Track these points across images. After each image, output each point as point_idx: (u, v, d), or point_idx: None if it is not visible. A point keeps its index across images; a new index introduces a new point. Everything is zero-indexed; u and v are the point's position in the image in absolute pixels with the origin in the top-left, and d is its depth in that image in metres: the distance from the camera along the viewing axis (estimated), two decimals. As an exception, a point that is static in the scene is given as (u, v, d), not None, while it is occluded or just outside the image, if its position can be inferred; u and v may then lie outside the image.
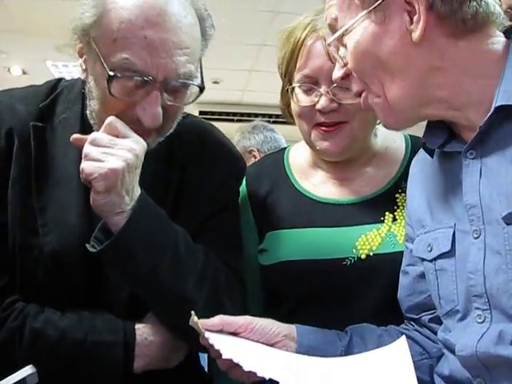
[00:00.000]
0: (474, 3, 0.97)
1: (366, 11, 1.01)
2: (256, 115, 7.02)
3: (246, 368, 0.97)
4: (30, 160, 1.21)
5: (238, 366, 0.98)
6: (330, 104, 1.35)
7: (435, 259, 1.11)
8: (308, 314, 1.36)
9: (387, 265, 1.33)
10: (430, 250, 1.12)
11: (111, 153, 1.09)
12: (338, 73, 1.12)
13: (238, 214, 1.43)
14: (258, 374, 0.96)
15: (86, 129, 1.22)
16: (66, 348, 1.15)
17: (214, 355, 1.08)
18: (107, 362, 1.16)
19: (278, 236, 1.44)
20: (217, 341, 1.03)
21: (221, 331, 1.09)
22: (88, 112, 1.22)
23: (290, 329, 1.18)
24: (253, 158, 3.25)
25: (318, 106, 1.36)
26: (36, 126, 1.23)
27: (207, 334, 1.04)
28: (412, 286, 1.24)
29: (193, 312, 1.05)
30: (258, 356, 1.08)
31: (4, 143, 1.21)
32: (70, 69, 6.40)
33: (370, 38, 1.02)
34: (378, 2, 1.00)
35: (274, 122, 5.16)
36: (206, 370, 1.50)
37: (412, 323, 1.27)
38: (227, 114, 7.60)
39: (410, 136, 1.52)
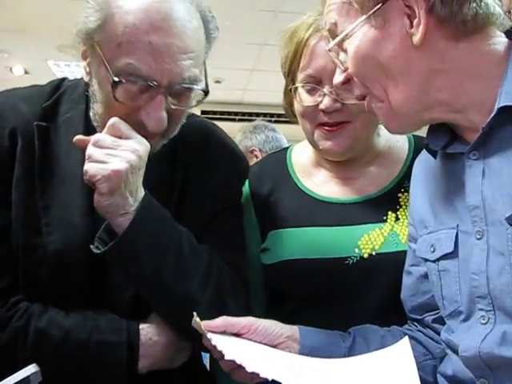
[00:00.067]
0: (474, 4, 0.97)
1: (365, 16, 1.01)
2: (257, 114, 7.05)
3: (249, 369, 0.97)
4: (34, 160, 1.21)
5: (240, 367, 0.98)
6: (333, 104, 1.35)
7: (438, 260, 1.11)
8: (310, 313, 1.36)
9: (390, 264, 1.33)
10: (433, 251, 1.12)
11: (114, 154, 1.10)
12: (338, 78, 1.12)
13: (241, 214, 1.43)
14: (261, 375, 0.96)
15: (90, 129, 1.23)
16: (69, 348, 1.15)
17: (217, 356, 1.08)
18: (111, 362, 1.16)
19: (280, 235, 1.44)
20: (219, 342, 1.03)
21: (224, 332, 1.09)
22: (91, 114, 1.22)
23: (293, 330, 1.18)
24: (254, 158, 3.25)
25: (322, 106, 1.37)
26: (40, 126, 1.23)
27: (209, 335, 1.04)
28: (415, 287, 1.24)
29: (195, 313, 1.05)
30: (261, 357, 1.07)
31: (8, 143, 1.21)
32: (72, 68, 6.40)
33: (370, 43, 1.01)
34: (378, 6, 0.99)
35: (275, 122, 5.17)
36: (208, 369, 1.50)
37: (415, 324, 1.27)
38: (229, 113, 7.61)
39: (413, 136, 1.52)
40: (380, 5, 0.99)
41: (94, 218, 1.19)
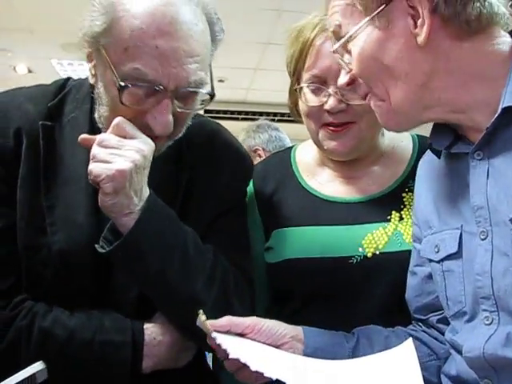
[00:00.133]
0: (478, 4, 0.96)
1: (369, 17, 1.01)
2: (261, 114, 7.04)
3: (253, 368, 0.96)
4: (39, 159, 1.21)
5: (245, 366, 0.98)
6: (338, 105, 1.35)
7: (442, 260, 1.11)
8: (314, 312, 1.36)
9: (393, 263, 1.33)
10: (437, 251, 1.12)
11: (119, 154, 1.10)
12: (343, 79, 1.13)
13: (246, 214, 1.43)
14: (265, 375, 0.96)
15: (95, 128, 1.23)
16: (74, 347, 1.15)
17: (221, 356, 1.08)
18: (115, 362, 1.16)
19: (284, 234, 1.44)
20: (224, 340, 1.03)
21: (228, 332, 1.09)
22: (97, 116, 1.22)
23: (297, 330, 1.18)
24: (258, 157, 3.25)
25: (327, 107, 1.37)
26: (45, 126, 1.23)
27: (214, 334, 1.04)
28: (420, 287, 1.24)
29: (201, 311, 1.05)
30: (265, 357, 1.07)
31: (13, 142, 1.21)
32: (75, 67, 6.41)
33: (375, 44, 1.02)
34: (381, 7, 0.99)
35: (278, 121, 5.17)
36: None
37: (420, 324, 1.26)
38: (232, 112, 7.60)
39: (418, 136, 1.52)
40: (383, 6, 0.99)
41: (98, 217, 1.19)
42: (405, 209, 1.41)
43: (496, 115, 0.97)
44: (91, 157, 1.10)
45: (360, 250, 1.36)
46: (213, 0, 1.21)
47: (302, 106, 1.44)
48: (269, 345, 1.12)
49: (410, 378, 1.00)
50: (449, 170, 1.14)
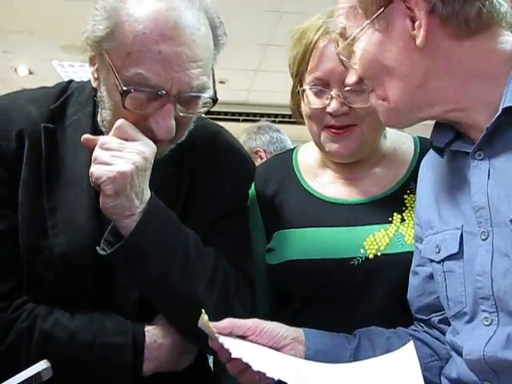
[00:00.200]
0: (478, 3, 0.97)
1: (369, 20, 1.02)
2: (262, 115, 7.04)
3: (256, 367, 0.96)
4: (41, 161, 1.21)
5: (247, 368, 0.98)
6: (340, 107, 1.35)
7: (443, 261, 1.11)
8: (315, 313, 1.36)
9: (395, 265, 1.34)
10: (438, 252, 1.12)
11: (120, 156, 1.10)
12: (352, 78, 1.13)
13: (247, 216, 1.43)
14: (268, 375, 0.96)
15: (97, 131, 1.23)
16: (75, 350, 1.15)
17: (224, 358, 1.07)
18: (116, 364, 1.16)
19: (285, 235, 1.44)
20: (226, 341, 1.03)
21: (229, 334, 1.09)
22: (99, 120, 1.22)
23: (298, 332, 1.18)
24: (259, 159, 3.24)
25: (329, 109, 1.37)
26: (47, 128, 1.23)
27: (216, 334, 1.04)
28: (422, 287, 1.24)
29: (203, 310, 1.04)
30: (267, 358, 1.07)
31: (15, 145, 1.21)
32: (77, 68, 6.42)
33: (375, 46, 1.02)
34: (380, 10, 1.00)
35: (279, 122, 5.18)
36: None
37: (421, 324, 1.27)
38: (233, 113, 7.61)
39: (419, 138, 1.52)
40: (382, 8, 1.00)
41: (100, 219, 1.19)
42: (406, 210, 1.41)
43: (496, 115, 0.97)
44: (93, 159, 1.11)
45: (361, 251, 1.36)
46: (214, 2, 1.21)
47: (304, 108, 1.44)
48: (270, 347, 1.12)
49: (410, 381, 1.00)
50: (450, 170, 1.14)
